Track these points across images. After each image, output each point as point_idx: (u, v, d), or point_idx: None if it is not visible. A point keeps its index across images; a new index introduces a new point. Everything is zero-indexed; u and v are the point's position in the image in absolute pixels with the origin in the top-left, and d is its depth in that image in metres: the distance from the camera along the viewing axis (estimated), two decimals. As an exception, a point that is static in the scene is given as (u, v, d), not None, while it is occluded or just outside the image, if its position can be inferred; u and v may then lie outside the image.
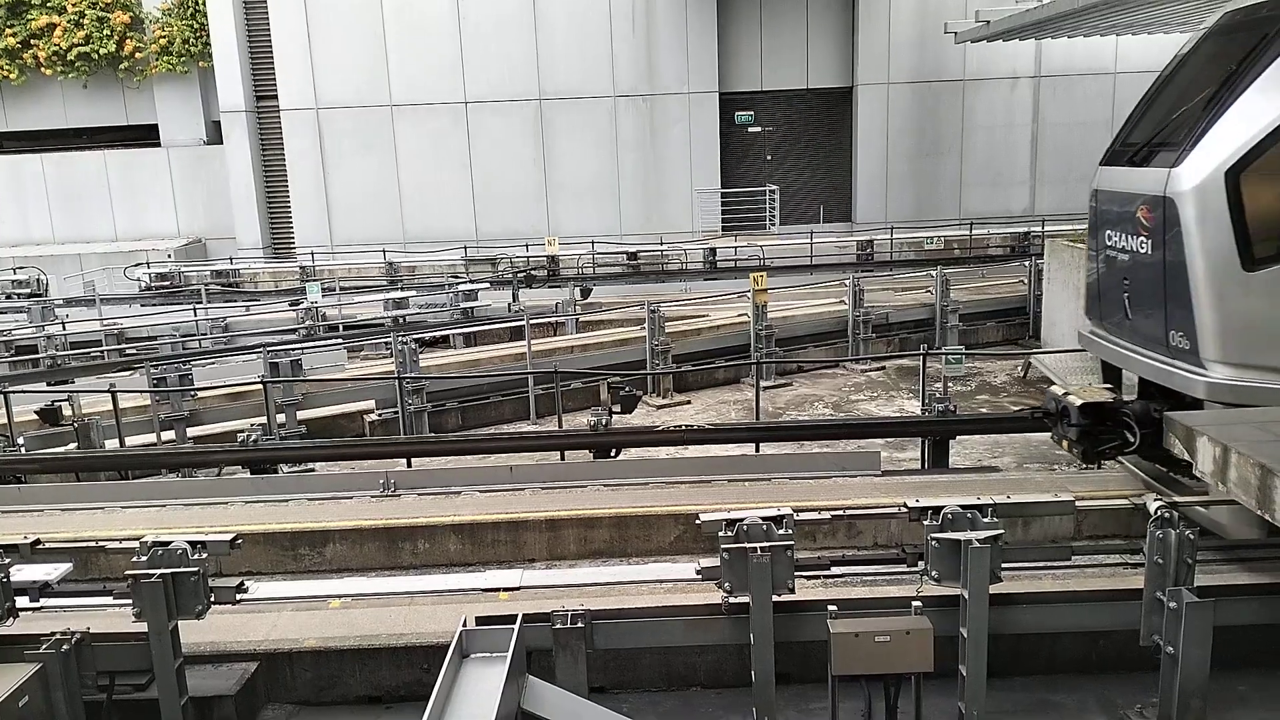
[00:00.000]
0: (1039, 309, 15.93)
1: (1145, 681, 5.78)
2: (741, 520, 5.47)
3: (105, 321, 18.14)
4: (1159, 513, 5.38)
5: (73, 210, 28.25)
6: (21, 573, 5.58)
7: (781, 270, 20.16)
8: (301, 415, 12.18)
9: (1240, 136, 5.84)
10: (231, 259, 24.93)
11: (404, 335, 13.68)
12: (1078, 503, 5.66)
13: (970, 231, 23.11)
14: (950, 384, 11.16)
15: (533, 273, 21.75)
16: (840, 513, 5.93)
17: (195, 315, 18.25)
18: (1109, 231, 7.24)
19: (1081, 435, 6.93)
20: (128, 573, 5.35)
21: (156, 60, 27.70)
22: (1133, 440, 6.70)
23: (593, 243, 22.40)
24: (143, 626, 5.35)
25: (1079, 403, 6.90)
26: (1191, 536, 5.32)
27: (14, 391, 11.25)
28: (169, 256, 25.61)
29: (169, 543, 5.40)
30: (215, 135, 27.93)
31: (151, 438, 11.68)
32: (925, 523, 5.44)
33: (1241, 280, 5.84)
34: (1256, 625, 5.72)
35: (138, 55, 27.71)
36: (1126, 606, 5.61)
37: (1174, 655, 5.32)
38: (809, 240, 22.17)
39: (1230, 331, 5.99)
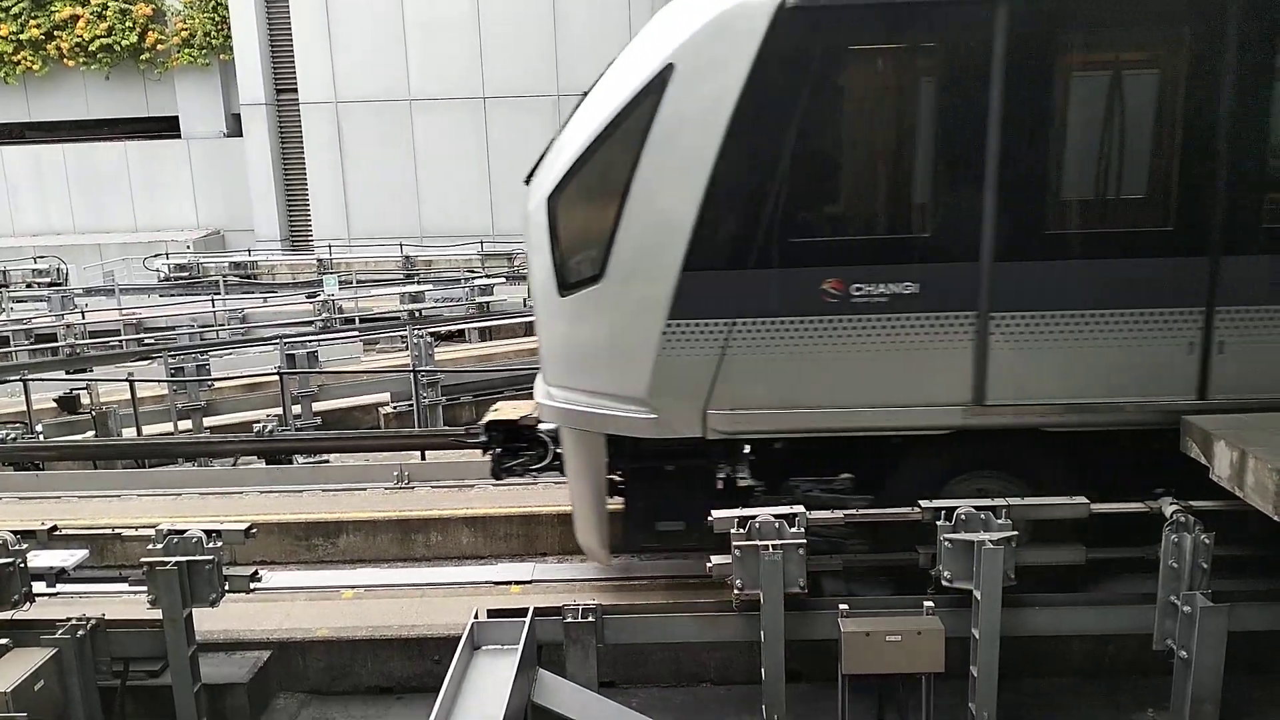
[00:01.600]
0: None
1: (1157, 685, 5.75)
2: (754, 518, 5.46)
3: (124, 311, 18.30)
4: (1174, 516, 5.34)
5: (93, 200, 28.48)
6: (38, 558, 5.65)
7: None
8: (317, 407, 12.26)
9: (560, 161, 5.75)
10: (250, 251, 25.11)
11: (419, 329, 13.74)
12: (1092, 507, 5.62)
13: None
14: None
15: (548, 268, 21.72)
16: (853, 512, 5.90)
17: (213, 306, 18.41)
18: None
19: (493, 451, 6.93)
20: (143, 560, 5.39)
21: (178, 53, 27.91)
22: (543, 457, 6.77)
23: (608, 239, 22.37)
24: (157, 614, 5.39)
25: (486, 419, 6.95)
26: (1207, 541, 5.28)
27: (33, 379, 11.37)
28: (188, 248, 25.82)
29: (184, 531, 5.44)
30: (235, 128, 28.10)
31: (168, 427, 11.78)
32: (939, 523, 5.42)
33: (558, 304, 5.83)
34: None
35: (159, 47, 27.93)
36: (1139, 610, 5.58)
37: (1187, 660, 5.28)
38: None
39: (553, 354, 6.05)
